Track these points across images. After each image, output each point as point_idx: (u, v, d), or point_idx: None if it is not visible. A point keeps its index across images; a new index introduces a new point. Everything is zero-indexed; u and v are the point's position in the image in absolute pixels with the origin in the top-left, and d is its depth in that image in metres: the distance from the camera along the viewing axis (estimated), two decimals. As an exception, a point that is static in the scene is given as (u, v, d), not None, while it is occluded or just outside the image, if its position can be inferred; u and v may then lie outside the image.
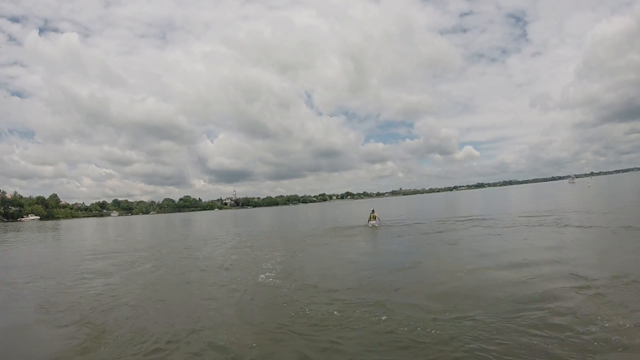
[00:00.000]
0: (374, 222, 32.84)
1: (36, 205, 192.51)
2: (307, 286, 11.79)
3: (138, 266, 18.52)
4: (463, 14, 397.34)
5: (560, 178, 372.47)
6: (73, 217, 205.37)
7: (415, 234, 24.15)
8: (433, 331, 7.42)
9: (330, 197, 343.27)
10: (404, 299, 9.61)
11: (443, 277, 11.69)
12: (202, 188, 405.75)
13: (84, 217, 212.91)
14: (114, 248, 27.71)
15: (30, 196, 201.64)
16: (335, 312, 8.89)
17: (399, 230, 26.65)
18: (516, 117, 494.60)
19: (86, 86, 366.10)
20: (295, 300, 10.42)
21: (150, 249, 26.23)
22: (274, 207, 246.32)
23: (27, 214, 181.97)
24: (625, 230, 17.50)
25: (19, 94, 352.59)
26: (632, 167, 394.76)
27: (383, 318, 8.36)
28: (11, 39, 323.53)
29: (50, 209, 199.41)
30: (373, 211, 34.32)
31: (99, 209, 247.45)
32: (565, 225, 21.25)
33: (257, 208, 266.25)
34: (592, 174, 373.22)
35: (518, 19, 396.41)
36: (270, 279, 13.27)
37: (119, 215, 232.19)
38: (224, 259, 19.32)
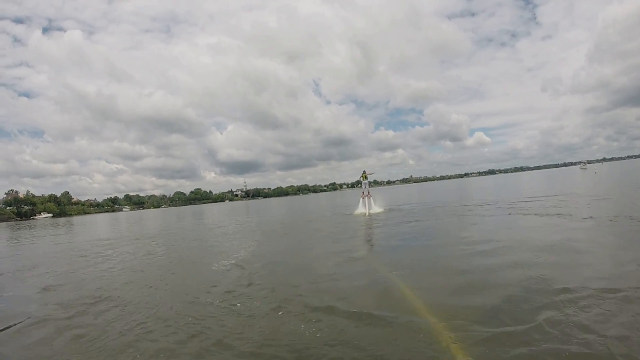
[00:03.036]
0: (366, 198, 33.19)
1: (48, 203, 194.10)
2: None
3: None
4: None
5: (572, 164, 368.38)
6: (85, 213, 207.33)
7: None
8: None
9: (341, 186, 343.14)
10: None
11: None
12: (212, 180, 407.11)
13: (96, 213, 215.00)
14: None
15: (42, 194, 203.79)
16: (238, 304, 9.07)
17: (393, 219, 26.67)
18: (527, 102, 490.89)
19: (93, 83, 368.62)
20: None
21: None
22: (284, 197, 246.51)
23: (39, 212, 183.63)
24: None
25: (26, 94, 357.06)
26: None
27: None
28: (16, 40, 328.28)
29: (63, 206, 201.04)
30: (365, 172, 33.59)
31: (111, 205, 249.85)
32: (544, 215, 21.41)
33: (267, 199, 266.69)
34: (604, 159, 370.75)
35: (527, 2, 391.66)
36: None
37: (130, 210, 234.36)
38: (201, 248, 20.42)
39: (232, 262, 14.45)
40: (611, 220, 16.10)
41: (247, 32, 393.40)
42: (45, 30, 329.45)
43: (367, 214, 30.86)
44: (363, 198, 33.59)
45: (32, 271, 16.62)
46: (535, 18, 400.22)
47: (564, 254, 11.09)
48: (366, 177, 33.40)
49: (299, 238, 21.25)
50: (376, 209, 33.60)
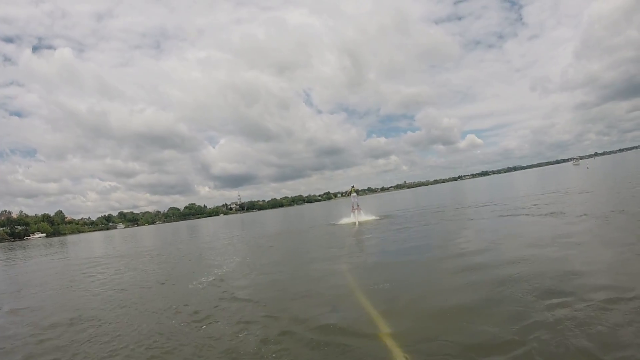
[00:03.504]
0: (355, 211, 32.70)
1: (42, 222, 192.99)
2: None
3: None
4: (457, 2, 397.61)
5: (564, 161, 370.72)
6: (79, 232, 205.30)
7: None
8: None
9: (335, 195, 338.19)
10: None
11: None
12: (207, 195, 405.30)
13: (90, 231, 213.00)
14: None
15: (35, 214, 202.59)
16: (203, 326, 8.69)
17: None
18: (517, 102, 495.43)
19: (84, 101, 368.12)
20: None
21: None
22: (279, 209, 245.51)
23: (33, 232, 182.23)
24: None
25: (17, 113, 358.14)
26: (636, 144, 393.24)
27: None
28: (6, 59, 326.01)
29: (56, 226, 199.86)
30: (353, 187, 33.85)
31: (105, 223, 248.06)
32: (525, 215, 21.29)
33: (262, 211, 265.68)
34: (596, 154, 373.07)
35: (513, 3, 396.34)
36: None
37: (125, 227, 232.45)
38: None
39: (211, 279, 13.93)
40: (606, 217, 15.69)
41: (236, 45, 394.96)
42: (35, 49, 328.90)
43: (357, 223, 30.13)
44: (353, 211, 33.15)
45: (17, 293, 16.70)
46: (521, 18, 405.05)
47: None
48: (355, 191, 33.70)
49: (282, 252, 20.63)
50: (367, 217, 33.05)
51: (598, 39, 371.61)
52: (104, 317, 10.33)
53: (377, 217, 32.90)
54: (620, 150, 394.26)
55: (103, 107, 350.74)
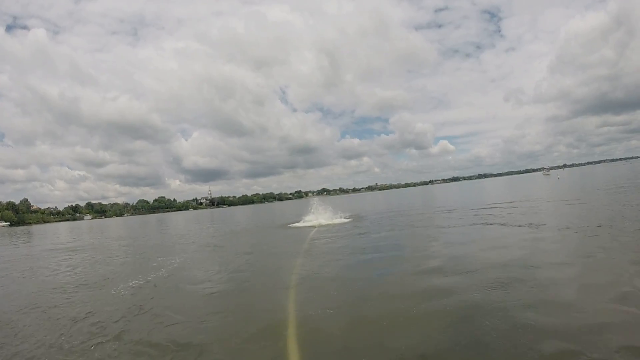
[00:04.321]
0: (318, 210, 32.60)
1: (6, 211, 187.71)
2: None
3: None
4: (438, 10, 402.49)
5: (533, 170, 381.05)
6: (45, 222, 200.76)
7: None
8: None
9: (307, 193, 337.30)
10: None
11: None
12: (177, 188, 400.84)
13: (56, 221, 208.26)
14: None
15: (0, 202, 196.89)
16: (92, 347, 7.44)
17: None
18: (490, 112, 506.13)
19: (56, 85, 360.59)
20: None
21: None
22: (249, 206, 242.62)
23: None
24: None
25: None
26: (604, 158, 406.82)
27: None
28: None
29: (21, 214, 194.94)
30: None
31: (72, 213, 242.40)
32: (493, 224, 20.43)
33: (232, 207, 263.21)
34: (564, 166, 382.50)
35: (492, 15, 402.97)
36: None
37: (92, 219, 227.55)
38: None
39: (139, 284, 12.70)
40: (591, 232, 14.39)
41: (215, 38, 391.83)
42: (9, 28, 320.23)
43: (318, 225, 28.55)
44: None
45: None
46: (499, 31, 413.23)
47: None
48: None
49: (230, 255, 18.27)
50: (332, 218, 31.47)
51: (573, 55, 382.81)
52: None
53: (344, 219, 31.03)
54: (589, 163, 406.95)
55: (75, 93, 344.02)
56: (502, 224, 18.80)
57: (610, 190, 32.29)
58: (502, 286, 8.55)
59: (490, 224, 19.30)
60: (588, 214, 19.37)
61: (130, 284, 12.65)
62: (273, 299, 9.60)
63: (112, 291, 11.95)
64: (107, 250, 25.44)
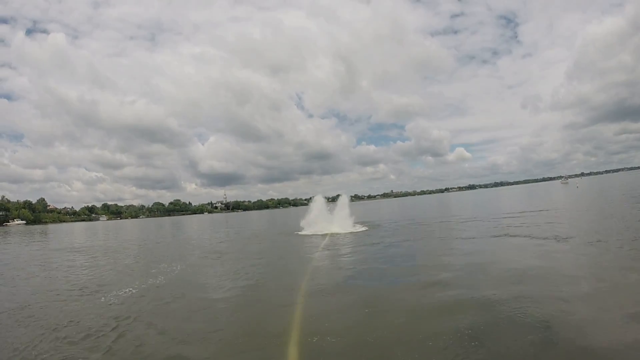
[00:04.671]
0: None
1: (23, 209, 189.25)
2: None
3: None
4: (454, 15, 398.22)
5: (550, 179, 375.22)
6: (61, 221, 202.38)
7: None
8: None
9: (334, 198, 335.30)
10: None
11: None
12: (193, 192, 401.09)
13: (72, 221, 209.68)
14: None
15: (17, 200, 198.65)
16: None
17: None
18: (507, 119, 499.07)
19: (75, 88, 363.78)
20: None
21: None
22: (264, 211, 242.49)
23: (13, 219, 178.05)
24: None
25: (7, 96, 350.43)
26: (622, 167, 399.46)
27: None
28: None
29: (38, 214, 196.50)
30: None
31: (88, 214, 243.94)
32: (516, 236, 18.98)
33: (247, 212, 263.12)
34: (582, 174, 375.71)
35: (509, 20, 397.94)
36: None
37: (107, 220, 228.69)
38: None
39: (131, 292, 12.09)
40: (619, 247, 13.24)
41: (231, 43, 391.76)
42: (29, 32, 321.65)
43: (330, 233, 27.03)
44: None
45: None
46: (516, 36, 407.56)
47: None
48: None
49: (237, 263, 17.38)
50: (346, 226, 29.94)
51: (591, 61, 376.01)
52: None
53: (358, 228, 29.75)
54: (607, 172, 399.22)
55: (93, 96, 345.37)
56: (526, 236, 17.45)
57: (637, 199, 31.08)
58: (532, 315, 7.39)
59: (514, 236, 17.99)
60: (616, 226, 18.05)
61: (123, 292, 12.03)
62: (273, 317, 8.73)
63: (102, 299, 11.38)
64: (113, 253, 25.00)
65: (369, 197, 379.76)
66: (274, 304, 9.78)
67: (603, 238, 14.94)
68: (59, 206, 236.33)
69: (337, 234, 26.72)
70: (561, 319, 7.02)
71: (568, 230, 18.36)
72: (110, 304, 10.71)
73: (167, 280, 13.65)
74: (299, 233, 29.72)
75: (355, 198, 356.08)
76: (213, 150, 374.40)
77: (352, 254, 17.32)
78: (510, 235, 18.23)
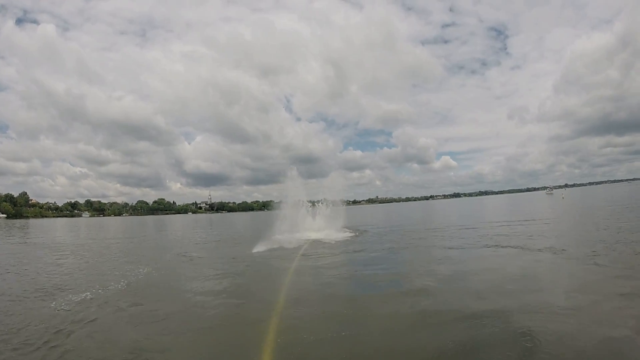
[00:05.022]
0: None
1: (4, 203, 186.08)
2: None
3: None
4: (445, 25, 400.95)
5: (535, 189, 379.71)
6: (42, 216, 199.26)
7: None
8: None
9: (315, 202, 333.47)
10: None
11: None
12: (178, 191, 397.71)
13: (54, 217, 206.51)
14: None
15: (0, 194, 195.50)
16: None
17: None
18: (494, 129, 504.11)
19: (63, 81, 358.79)
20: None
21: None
22: (249, 213, 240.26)
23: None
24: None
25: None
26: (605, 179, 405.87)
27: None
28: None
29: (19, 208, 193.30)
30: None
31: (70, 210, 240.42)
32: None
33: (231, 213, 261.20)
34: (566, 185, 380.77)
35: (499, 32, 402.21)
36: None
37: (90, 216, 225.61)
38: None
39: (87, 297, 10.98)
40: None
41: (222, 43, 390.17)
42: (19, 22, 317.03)
43: (310, 240, 25.25)
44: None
45: None
46: (505, 48, 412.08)
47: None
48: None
49: (209, 268, 15.99)
50: (328, 230, 28.84)
51: (578, 75, 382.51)
52: None
53: (341, 233, 28.22)
54: (590, 184, 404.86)
55: (81, 90, 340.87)
56: (518, 247, 16.54)
57: (628, 210, 30.89)
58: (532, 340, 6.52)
59: (505, 247, 16.96)
60: (611, 238, 17.15)
61: (78, 297, 10.95)
62: (240, 335, 7.66)
63: (53, 304, 10.34)
64: (85, 252, 23.84)
65: (354, 202, 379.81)
66: (245, 320, 8.60)
67: (598, 250, 14.16)
68: (42, 201, 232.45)
69: (319, 240, 24.78)
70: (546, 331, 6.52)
71: (560, 241, 17.46)
72: (58, 311, 9.64)
73: (128, 285, 12.51)
74: (280, 237, 27.66)
75: (341, 203, 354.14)
76: (199, 150, 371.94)
77: (331, 265, 15.67)
78: (502, 246, 17.14)
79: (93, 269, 16.40)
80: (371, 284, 11.71)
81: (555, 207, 48.35)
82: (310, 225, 30.24)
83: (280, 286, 11.52)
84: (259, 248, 20.78)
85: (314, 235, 26.56)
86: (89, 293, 11.33)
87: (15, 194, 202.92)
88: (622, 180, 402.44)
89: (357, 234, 28.28)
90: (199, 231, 44.84)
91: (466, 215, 45.48)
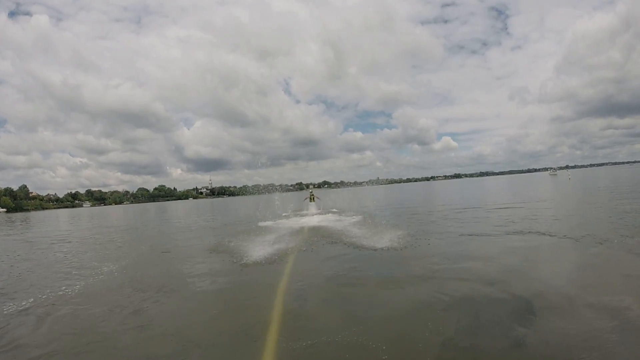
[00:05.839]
0: (313, 203, 30.66)
1: (4, 197, 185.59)
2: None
3: None
4: (445, 5, 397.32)
5: (535, 170, 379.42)
6: (43, 208, 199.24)
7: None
8: None
9: (307, 186, 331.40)
10: None
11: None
12: (179, 177, 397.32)
13: (55, 208, 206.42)
14: None
15: (0, 188, 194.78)
16: None
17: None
18: (494, 110, 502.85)
19: (58, 72, 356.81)
20: None
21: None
22: (249, 196, 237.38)
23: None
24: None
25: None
26: (606, 161, 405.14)
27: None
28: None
29: (19, 201, 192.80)
30: (312, 192, 31.67)
31: (71, 200, 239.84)
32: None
33: (232, 197, 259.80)
34: (567, 167, 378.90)
35: (500, 12, 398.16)
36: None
37: (91, 206, 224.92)
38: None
39: (26, 305, 9.13)
40: None
41: (218, 27, 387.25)
42: (12, 14, 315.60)
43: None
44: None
45: None
46: (506, 28, 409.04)
47: None
48: (313, 199, 31.37)
49: (185, 263, 13.37)
50: (326, 214, 28.23)
51: (580, 56, 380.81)
52: None
53: (340, 216, 26.25)
54: (591, 165, 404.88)
55: (78, 80, 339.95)
56: (546, 233, 14.25)
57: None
58: None
59: (529, 232, 14.81)
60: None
61: (18, 306, 9.09)
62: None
63: (5, 311, 8.71)
64: (61, 245, 22.22)
65: (355, 183, 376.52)
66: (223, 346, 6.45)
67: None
68: (43, 193, 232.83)
69: (316, 223, 23.08)
70: None
71: (593, 227, 15.10)
72: (11, 314, 8.38)
73: (82, 289, 10.46)
74: (277, 221, 25.80)
75: (341, 184, 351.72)
76: (199, 135, 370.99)
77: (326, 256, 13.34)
78: (525, 232, 14.99)
79: (48, 270, 14.28)
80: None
81: (564, 188, 46.32)
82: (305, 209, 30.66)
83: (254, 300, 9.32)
84: (253, 236, 18.66)
85: (311, 220, 25.07)
86: (33, 299, 9.56)
87: (16, 187, 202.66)
88: (623, 163, 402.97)
89: (358, 219, 24.59)
90: (194, 217, 43.27)
91: (473, 197, 42.84)
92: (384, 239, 14.81)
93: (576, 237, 13.02)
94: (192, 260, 13.80)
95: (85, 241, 23.83)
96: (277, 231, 20.05)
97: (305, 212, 30.85)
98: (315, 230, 19.69)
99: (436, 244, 13.96)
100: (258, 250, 14.18)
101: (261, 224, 24.65)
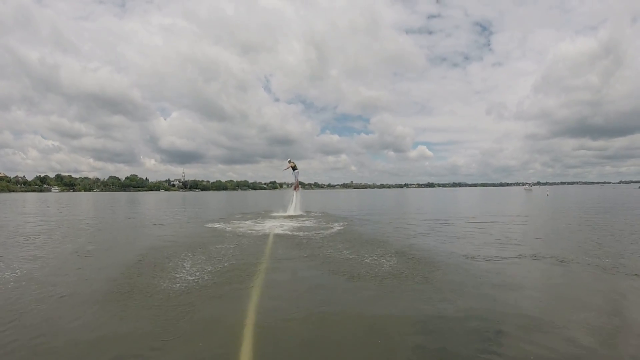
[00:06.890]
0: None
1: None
2: None
3: None
4: (431, 16, 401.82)
5: (507, 184, 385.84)
6: (10, 191, 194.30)
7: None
8: None
9: (281, 185, 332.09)
10: None
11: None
12: (152, 167, 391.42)
13: (21, 191, 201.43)
14: None
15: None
16: None
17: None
18: (471, 123, 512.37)
19: (37, 50, 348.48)
20: None
21: None
22: (222, 192, 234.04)
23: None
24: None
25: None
26: (577, 180, 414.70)
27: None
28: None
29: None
30: (290, 159, 30.48)
31: (39, 184, 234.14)
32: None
33: (204, 192, 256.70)
34: (539, 183, 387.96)
35: (484, 28, 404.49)
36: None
37: (60, 191, 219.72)
38: None
39: None
40: None
41: (203, 18, 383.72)
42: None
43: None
44: (296, 190, 30.39)
45: None
46: (489, 44, 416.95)
47: None
48: (295, 167, 30.12)
49: (104, 273, 10.65)
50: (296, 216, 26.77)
51: (559, 77, 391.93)
52: None
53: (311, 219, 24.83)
54: (562, 183, 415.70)
55: (56, 60, 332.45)
56: (562, 260, 11.81)
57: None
58: None
59: (546, 258, 12.25)
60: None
61: None
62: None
63: None
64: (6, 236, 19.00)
65: (329, 186, 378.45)
66: None
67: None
68: (12, 174, 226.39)
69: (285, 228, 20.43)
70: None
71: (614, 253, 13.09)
72: None
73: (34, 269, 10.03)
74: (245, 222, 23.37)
75: (315, 186, 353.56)
76: (175, 126, 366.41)
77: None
78: (540, 257, 12.49)
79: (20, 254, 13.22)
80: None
81: (547, 205, 45.20)
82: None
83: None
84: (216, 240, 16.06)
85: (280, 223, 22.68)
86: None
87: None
88: (593, 183, 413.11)
89: (329, 223, 23.20)
90: (154, 212, 39.65)
91: (458, 209, 40.09)
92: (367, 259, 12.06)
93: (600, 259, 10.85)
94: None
95: (20, 231, 21.26)
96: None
97: (276, 214, 29.03)
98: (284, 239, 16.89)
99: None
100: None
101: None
